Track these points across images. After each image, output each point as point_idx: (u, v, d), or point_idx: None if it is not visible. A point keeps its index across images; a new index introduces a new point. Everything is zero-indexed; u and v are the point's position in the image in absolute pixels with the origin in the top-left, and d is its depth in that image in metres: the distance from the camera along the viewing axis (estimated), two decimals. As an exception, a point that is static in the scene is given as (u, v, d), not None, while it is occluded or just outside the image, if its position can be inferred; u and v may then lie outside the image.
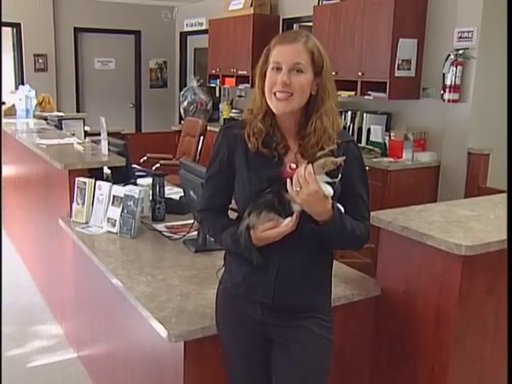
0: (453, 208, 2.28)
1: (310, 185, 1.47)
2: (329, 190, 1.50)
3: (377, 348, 2.19)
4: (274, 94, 1.56)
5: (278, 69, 1.55)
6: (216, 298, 1.80)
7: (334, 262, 1.76)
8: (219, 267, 1.85)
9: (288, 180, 1.51)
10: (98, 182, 2.86)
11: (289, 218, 1.54)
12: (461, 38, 4.38)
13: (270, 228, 1.56)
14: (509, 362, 1.79)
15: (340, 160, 1.50)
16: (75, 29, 8.25)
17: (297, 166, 1.59)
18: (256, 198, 1.58)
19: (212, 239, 1.83)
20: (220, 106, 7.63)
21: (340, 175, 1.51)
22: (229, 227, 1.67)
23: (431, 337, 1.98)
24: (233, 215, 1.76)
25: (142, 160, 5.51)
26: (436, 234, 1.91)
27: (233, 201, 1.75)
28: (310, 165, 1.49)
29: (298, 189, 1.49)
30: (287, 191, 1.52)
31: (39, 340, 3.51)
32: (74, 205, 2.93)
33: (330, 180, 1.50)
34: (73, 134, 4.47)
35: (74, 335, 3.35)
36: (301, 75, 1.55)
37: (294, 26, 6.44)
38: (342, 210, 1.58)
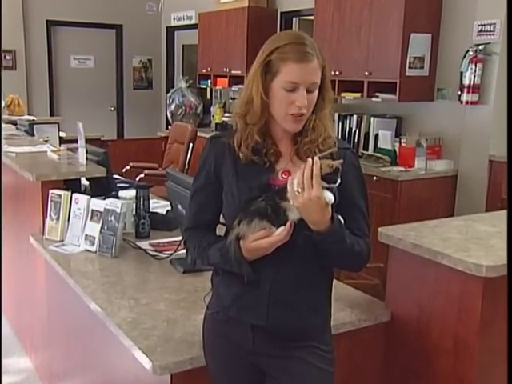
0: (472, 223, 2.30)
1: (313, 190, 1.49)
2: (330, 197, 1.52)
3: (387, 382, 2.18)
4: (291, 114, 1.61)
5: (292, 88, 1.58)
6: (203, 326, 1.81)
7: (339, 283, 1.78)
8: (208, 291, 1.86)
9: (289, 178, 1.54)
10: (75, 195, 2.87)
11: (282, 227, 1.56)
12: (481, 31, 4.41)
13: (261, 237, 1.57)
14: (509, 367, 1.79)
15: (337, 163, 1.52)
16: (48, 22, 8.27)
17: (289, 174, 1.62)
18: (247, 206, 1.60)
19: (199, 260, 1.84)
20: (211, 109, 7.65)
21: (339, 181, 1.53)
22: (216, 243, 1.69)
23: (449, 370, 1.98)
24: (221, 231, 1.78)
25: (124, 170, 5.53)
26: (452, 253, 1.92)
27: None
28: (317, 160, 1.49)
29: (299, 190, 1.51)
30: (282, 198, 1.54)
31: (5, 375, 3.48)
32: (48, 220, 2.93)
33: (326, 185, 1.52)
34: (46, 141, 4.48)
35: (46, 369, 3.33)
36: (313, 93, 1.61)
37: (294, 20, 6.50)
38: (343, 221, 1.60)
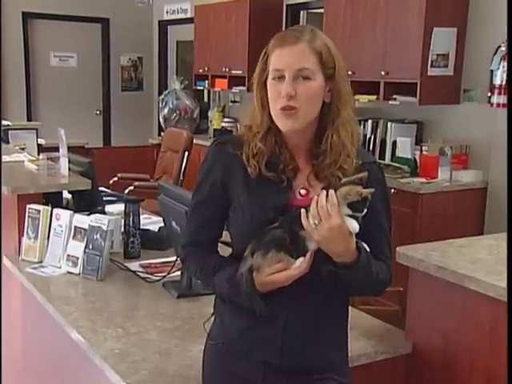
0: (504, 243, 2.28)
1: (332, 218, 1.49)
2: (354, 226, 1.53)
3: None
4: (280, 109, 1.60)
5: (280, 78, 1.59)
6: (203, 359, 1.80)
7: (353, 309, 1.78)
8: (208, 317, 1.86)
9: (302, 210, 1.53)
10: (56, 210, 2.87)
11: (301, 259, 1.56)
12: (515, 23, 4.41)
13: (278, 270, 1.58)
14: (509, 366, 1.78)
15: (367, 192, 1.53)
16: (24, 14, 8.27)
17: (308, 192, 1.62)
18: (261, 234, 1.60)
19: (200, 282, 1.84)
20: (209, 113, 7.69)
21: (365, 210, 1.54)
22: (222, 268, 1.68)
23: (480, 410, 1.97)
24: (222, 250, 1.78)
25: (111, 182, 5.53)
26: (482, 277, 1.91)
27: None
28: (332, 192, 1.51)
29: (316, 222, 1.51)
30: (301, 226, 1.54)
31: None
32: (25, 239, 2.93)
33: (351, 213, 1.53)
34: (23, 149, 4.50)
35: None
36: (308, 83, 1.59)
37: (301, 13, 6.53)
38: (368, 250, 1.60)
